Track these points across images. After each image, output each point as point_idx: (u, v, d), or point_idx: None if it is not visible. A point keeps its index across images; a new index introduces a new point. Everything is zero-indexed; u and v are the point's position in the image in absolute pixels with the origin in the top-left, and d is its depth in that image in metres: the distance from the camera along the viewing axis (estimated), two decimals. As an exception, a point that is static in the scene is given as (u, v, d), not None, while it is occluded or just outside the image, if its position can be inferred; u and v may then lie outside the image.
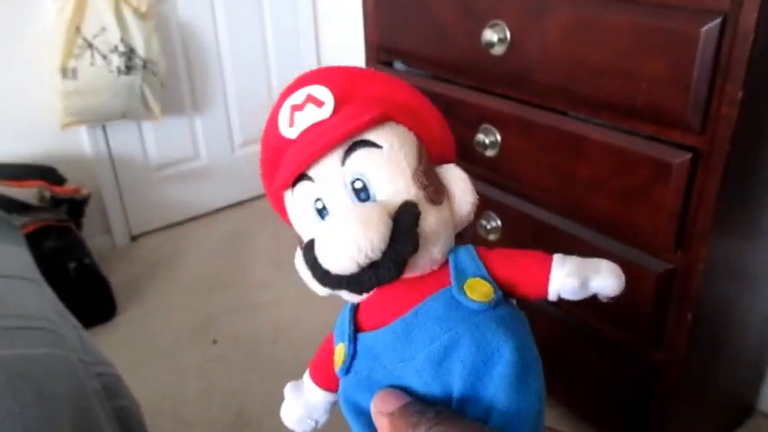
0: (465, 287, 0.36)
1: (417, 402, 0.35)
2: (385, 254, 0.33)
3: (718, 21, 0.80)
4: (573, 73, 0.98)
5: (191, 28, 2.18)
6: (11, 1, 1.81)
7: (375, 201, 0.36)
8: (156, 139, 2.21)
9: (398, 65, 1.38)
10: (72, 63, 1.83)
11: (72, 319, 0.78)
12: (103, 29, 1.84)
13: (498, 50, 1.08)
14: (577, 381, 1.21)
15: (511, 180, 1.16)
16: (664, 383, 1.04)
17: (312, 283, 0.39)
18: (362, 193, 0.36)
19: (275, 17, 2.36)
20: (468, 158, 1.22)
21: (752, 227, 1.03)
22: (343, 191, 0.36)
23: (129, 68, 1.89)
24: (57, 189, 1.83)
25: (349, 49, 2.30)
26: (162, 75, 2.00)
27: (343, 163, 0.36)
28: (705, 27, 0.80)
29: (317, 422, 0.46)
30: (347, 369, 0.39)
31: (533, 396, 0.36)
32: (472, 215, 0.39)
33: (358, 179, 0.36)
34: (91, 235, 2.06)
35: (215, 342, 1.71)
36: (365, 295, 0.38)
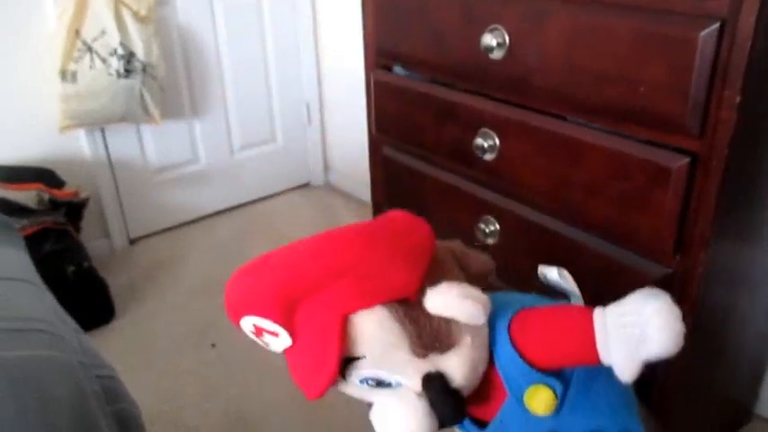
0: (527, 399, 0.38)
1: None
2: (442, 418, 0.37)
3: (716, 26, 0.80)
4: (572, 78, 0.98)
5: (190, 32, 2.18)
6: (11, 4, 1.82)
7: (398, 385, 0.39)
8: (155, 143, 2.21)
9: (398, 69, 1.39)
10: (71, 66, 1.83)
11: (71, 322, 0.79)
12: (103, 32, 1.84)
13: (497, 55, 1.08)
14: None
15: (509, 184, 1.17)
16: (662, 388, 1.04)
17: None
18: (382, 384, 0.39)
19: (275, 21, 2.36)
20: (467, 162, 1.22)
21: (751, 231, 1.03)
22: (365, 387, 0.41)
23: (128, 72, 1.89)
24: (55, 192, 1.83)
25: (348, 52, 2.30)
26: (161, 78, 2.00)
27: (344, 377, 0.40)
28: (703, 32, 0.81)
29: None
30: None
31: None
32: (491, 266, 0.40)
33: (368, 379, 0.39)
34: (89, 238, 2.06)
35: (213, 346, 1.71)
36: None
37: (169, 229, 2.35)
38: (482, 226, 1.24)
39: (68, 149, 2.03)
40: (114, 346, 1.70)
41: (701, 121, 0.85)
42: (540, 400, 0.35)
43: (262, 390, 1.54)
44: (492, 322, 0.38)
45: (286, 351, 0.39)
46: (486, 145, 1.16)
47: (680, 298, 0.96)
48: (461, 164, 1.24)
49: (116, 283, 1.93)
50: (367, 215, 2.12)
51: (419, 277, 0.39)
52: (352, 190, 2.55)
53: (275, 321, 0.39)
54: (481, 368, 0.38)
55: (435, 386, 0.37)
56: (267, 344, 0.41)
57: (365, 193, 2.18)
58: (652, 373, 1.03)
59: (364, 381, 0.38)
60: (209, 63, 2.27)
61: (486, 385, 0.38)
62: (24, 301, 0.72)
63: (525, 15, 1.02)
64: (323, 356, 0.36)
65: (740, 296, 1.09)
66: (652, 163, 0.92)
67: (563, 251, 1.09)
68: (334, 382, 0.37)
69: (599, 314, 0.37)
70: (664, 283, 0.96)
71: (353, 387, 0.40)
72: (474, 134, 1.18)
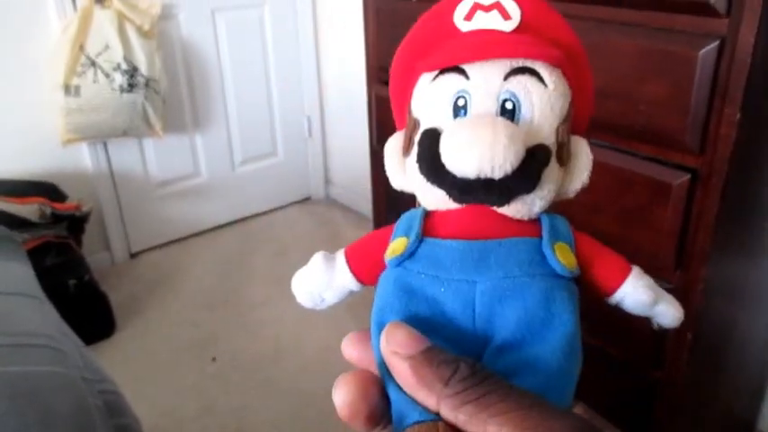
0: (556, 248, 0.35)
1: (441, 349, 0.31)
2: (505, 178, 0.32)
3: (715, 44, 0.81)
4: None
5: (193, 46, 2.20)
6: (15, 19, 1.83)
7: (518, 124, 0.34)
8: (156, 157, 2.22)
9: (399, 84, 1.39)
10: (75, 80, 1.84)
11: (74, 337, 0.79)
12: (107, 47, 1.86)
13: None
14: (578, 399, 1.21)
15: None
16: (664, 402, 1.04)
17: (395, 172, 0.39)
18: (510, 113, 0.34)
19: (276, 36, 2.38)
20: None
21: (751, 246, 1.04)
22: (493, 102, 0.34)
23: (131, 86, 1.90)
24: (57, 205, 1.83)
25: (350, 67, 2.32)
26: (164, 92, 2.02)
27: (506, 78, 0.34)
28: (703, 50, 0.82)
29: (323, 301, 0.42)
30: (399, 261, 0.36)
31: (573, 370, 0.34)
32: (574, 194, 0.39)
33: (512, 100, 0.34)
34: (91, 251, 2.06)
35: (214, 360, 1.70)
36: (452, 207, 0.35)
37: (170, 242, 2.35)
38: (483, 241, 1.24)
39: (71, 163, 2.04)
40: (115, 360, 1.69)
41: (701, 138, 0.86)
42: (567, 255, 0.35)
43: (262, 405, 1.53)
44: None
45: (492, 31, 0.36)
46: (487, 160, 1.17)
47: (681, 313, 0.96)
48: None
49: (117, 297, 1.93)
50: (368, 229, 2.12)
51: (589, 114, 0.42)
52: (352, 204, 2.55)
53: (524, 10, 0.37)
54: (536, 206, 0.36)
55: (542, 156, 0.34)
56: (477, 16, 0.37)
57: (366, 207, 2.18)
58: (654, 389, 1.04)
59: (463, 96, 0.35)
60: (212, 77, 2.28)
61: (496, 221, 0.36)
62: (27, 315, 0.72)
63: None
64: (547, 47, 0.36)
65: (741, 311, 1.09)
66: (653, 179, 0.92)
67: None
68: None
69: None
70: (665, 299, 0.96)
71: (436, 93, 0.36)
72: (475, 149, 1.19)
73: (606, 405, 1.16)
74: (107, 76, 1.86)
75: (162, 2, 1.99)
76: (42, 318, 0.74)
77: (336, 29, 2.38)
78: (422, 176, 0.35)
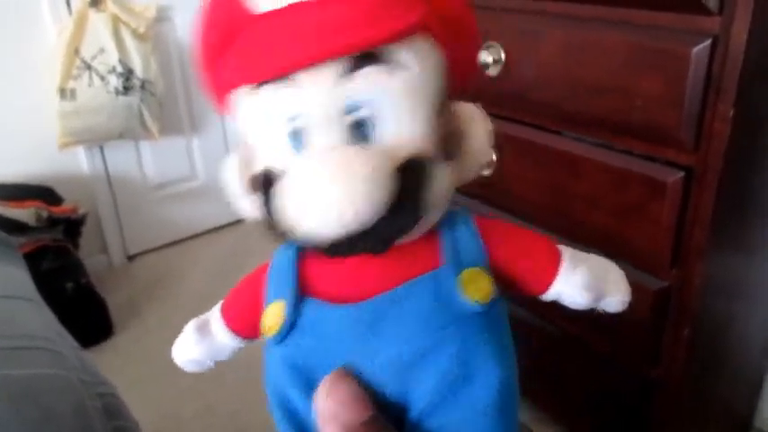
0: (462, 279, 0.28)
1: (382, 423, 0.27)
2: (379, 223, 0.25)
3: (708, 41, 0.81)
4: (567, 93, 0.99)
5: (189, 48, 2.20)
6: (10, 23, 1.83)
7: (375, 143, 0.26)
8: (153, 159, 2.22)
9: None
10: (70, 84, 1.84)
11: (71, 340, 0.79)
12: (102, 50, 1.85)
13: (493, 71, 1.09)
14: (574, 398, 1.21)
15: (507, 199, 1.17)
16: (661, 400, 1.04)
17: (241, 203, 0.30)
18: (362, 130, 0.26)
19: (272, 38, 2.38)
20: (465, 177, 1.23)
21: (748, 243, 1.04)
22: (337, 118, 0.25)
23: (126, 89, 1.90)
24: (54, 209, 1.83)
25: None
26: (160, 95, 2.01)
27: (343, 78, 0.25)
28: (696, 48, 0.82)
29: (213, 364, 0.39)
30: (281, 339, 0.29)
31: (511, 419, 0.29)
32: (477, 175, 0.30)
33: (361, 108, 0.25)
34: (88, 255, 2.06)
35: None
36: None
37: (167, 245, 2.35)
38: (480, 240, 1.24)
39: (67, 166, 2.03)
40: (113, 363, 1.69)
41: (695, 135, 0.86)
42: (481, 283, 0.28)
43: (261, 406, 1.53)
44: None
45: (301, 4, 0.25)
46: (483, 159, 1.17)
47: (677, 310, 0.96)
48: (459, 178, 1.25)
49: (114, 300, 1.93)
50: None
51: (472, 77, 0.32)
52: (349, 204, 2.55)
53: None
54: (436, 215, 0.27)
55: (421, 174, 0.25)
56: None
57: (363, 207, 2.18)
58: (650, 387, 1.04)
59: (298, 118, 0.25)
60: (208, 79, 2.28)
61: (386, 259, 0.28)
62: (24, 318, 0.72)
63: (521, 32, 1.03)
64: (392, 13, 0.25)
65: (738, 308, 1.10)
66: (648, 177, 0.92)
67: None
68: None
69: (563, 246, 0.31)
70: (661, 296, 0.96)
71: (262, 114, 0.27)
72: (471, 149, 1.19)
73: (603, 403, 1.16)
74: (102, 79, 1.86)
75: (157, 4, 1.99)
76: (39, 320, 0.74)
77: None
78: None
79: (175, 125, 2.23)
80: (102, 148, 2.09)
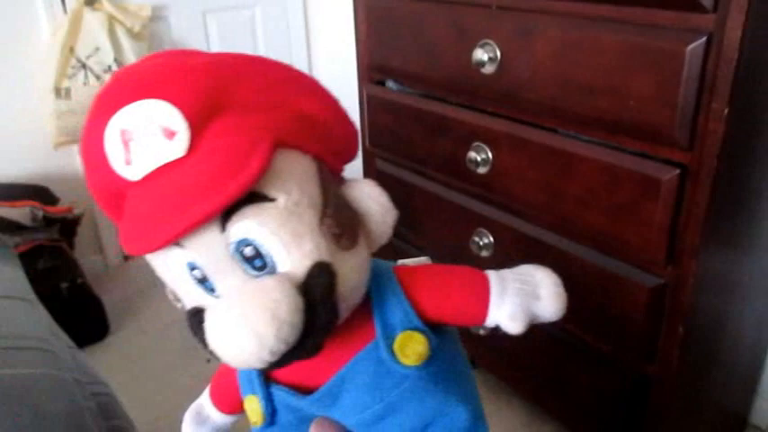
0: (395, 347, 0.30)
1: None
2: (303, 336, 0.27)
3: (702, 40, 0.81)
4: (562, 91, 0.99)
5: (184, 47, 2.19)
6: (4, 22, 1.82)
7: (275, 271, 0.27)
8: (149, 159, 2.21)
9: (390, 83, 1.40)
10: (65, 83, 1.84)
11: (66, 339, 0.79)
12: (97, 49, 1.85)
13: (489, 69, 1.09)
14: (571, 395, 1.21)
15: (503, 197, 1.17)
16: (656, 396, 1.04)
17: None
18: (257, 261, 0.27)
19: (267, 36, 2.37)
20: (460, 176, 1.23)
21: (741, 241, 1.04)
22: (230, 262, 0.27)
23: (122, 88, 1.90)
24: (49, 209, 1.82)
25: (341, 67, 2.31)
26: (155, 94, 2.01)
27: (223, 229, 0.27)
28: (690, 46, 0.82)
29: None
30: (264, 428, 0.35)
31: None
32: (392, 232, 0.32)
33: (248, 244, 0.27)
34: (83, 254, 2.05)
35: (208, 361, 1.70)
36: None
37: (163, 244, 2.34)
38: (476, 239, 1.25)
39: (62, 166, 2.03)
40: (109, 362, 1.69)
41: (689, 133, 0.86)
42: (414, 346, 0.30)
43: (257, 405, 1.53)
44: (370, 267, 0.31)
45: (166, 166, 0.26)
46: (479, 158, 1.17)
47: (672, 308, 0.97)
48: (455, 177, 1.25)
49: (110, 300, 1.93)
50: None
51: (352, 157, 0.34)
52: (346, 204, 2.55)
53: (188, 113, 0.26)
54: (359, 295, 0.29)
55: (324, 281, 0.27)
56: (134, 153, 0.26)
57: (359, 206, 2.18)
58: (646, 384, 1.04)
59: (197, 269, 0.27)
60: (203, 79, 2.27)
61: (334, 338, 0.30)
62: (20, 318, 0.72)
63: (516, 30, 1.04)
64: (237, 167, 0.26)
65: (732, 305, 1.10)
66: (642, 175, 0.93)
67: (556, 262, 1.10)
68: (247, 186, 0.26)
69: (492, 273, 0.33)
70: (656, 293, 0.97)
71: (170, 268, 0.28)
72: (467, 148, 1.19)
73: (599, 401, 1.16)
74: (98, 78, 1.86)
75: (152, 3, 1.99)
76: (34, 320, 0.74)
77: (328, 29, 2.38)
78: None
79: (171, 124, 2.22)
80: (97, 148, 2.09)
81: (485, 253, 1.24)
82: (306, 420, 0.34)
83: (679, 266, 0.94)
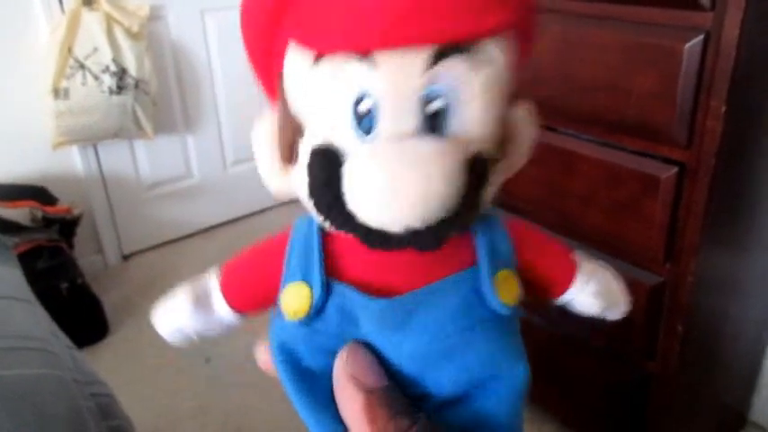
0: (496, 281, 0.28)
1: (400, 395, 0.27)
2: (445, 218, 0.24)
3: (701, 38, 0.81)
4: (562, 89, 0.99)
5: (182, 47, 2.19)
6: (2, 22, 1.82)
7: (448, 135, 0.24)
8: (148, 158, 2.21)
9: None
10: (64, 83, 1.83)
11: (65, 339, 0.78)
12: (95, 49, 1.85)
13: (487, 68, 1.09)
14: (571, 392, 1.22)
15: (502, 194, 1.17)
16: (656, 394, 1.05)
17: (272, 176, 0.28)
18: (438, 119, 0.24)
19: (266, 36, 2.37)
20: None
21: (740, 238, 1.04)
22: (413, 109, 0.24)
23: (120, 88, 1.89)
24: (48, 209, 1.82)
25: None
26: (154, 94, 2.01)
27: (431, 65, 0.23)
28: (688, 44, 0.82)
29: (197, 337, 0.36)
30: (306, 323, 0.29)
31: (521, 419, 0.31)
32: (525, 160, 0.31)
33: (441, 98, 0.24)
34: (83, 254, 2.05)
35: (208, 361, 1.70)
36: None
37: (163, 244, 2.34)
38: (475, 237, 1.24)
39: (61, 166, 2.03)
40: (108, 363, 1.69)
41: (688, 132, 0.86)
42: (510, 286, 0.28)
43: (257, 405, 1.53)
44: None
45: None
46: (477, 157, 1.17)
47: (671, 306, 0.97)
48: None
49: (110, 300, 1.93)
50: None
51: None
52: (345, 203, 2.55)
53: None
54: (475, 215, 0.27)
55: (484, 173, 0.25)
56: None
57: (358, 205, 2.18)
58: (645, 381, 1.04)
59: (368, 97, 0.23)
60: (202, 78, 2.27)
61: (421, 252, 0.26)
62: (18, 318, 0.72)
63: (514, 29, 1.03)
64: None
65: (731, 303, 1.10)
66: (641, 173, 0.93)
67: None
68: None
69: (579, 255, 0.33)
70: (655, 291, 0.97)
71: (323, 88, 0.24)
72: (465, 146, 1.19)
73: (599, 398, 1.16)
74: (96, 78, 1.86)
75: (150, 3, 1.99)
76: (33, 320, 0.74)
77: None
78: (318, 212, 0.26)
79: (169, 124, 2.22)
80: (96, 148, 2.09)
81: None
82: (347, 338, 0.28)
83: (678, 264, 0.94)
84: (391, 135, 0.24)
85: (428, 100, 0.24)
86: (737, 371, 1.27)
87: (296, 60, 0.25)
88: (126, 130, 1.99)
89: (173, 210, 2.33)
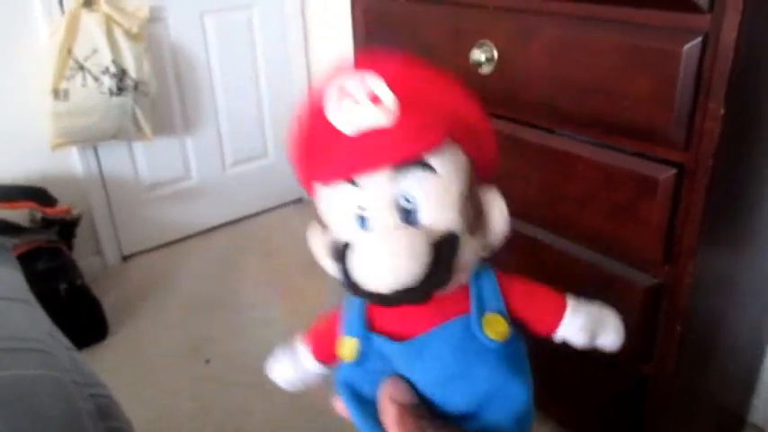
0: (484, 322, 0.38)
1: (426, 409, 0.38)
2: (419, 283, 0.34)
3: (699, 40, 0.81)
4: (559, 91, 1.00)
5: (182, 49, 2.20)
6: (2, 24, 1.82)
7: (419, 225, 0.35)
8: (147, 160, 2.22)
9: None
10: (63, 84, 1.84)
11: (64, 340, 0.78)
12: (95, 50, 1.85)
13: (486, 69, 1.10)
14: (568, 395, 1.22)
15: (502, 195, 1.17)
16: (654, 396, 1.05)
17: (326, 265, 0.40)
18: (410, 216, 0.35)
19: (266, 37, 2.38)
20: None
21: (739, 240, 1.05)
22: (390, 208, 0.35)
23: (120, 89, 1.90)
24: (48, 210, 1.83)
25: (339, 68, 2.32)
26: (153, 95, 2.01)
27: (394, 180, 0.35)
28: (686, 46, 0.82)
29: (306, 386, 0.49)
30: (357, 364, 0.41)
31: (528, 424, 0.40)
32: (501, 244, 0.40)
33: (408, 200, 0.35)
34: (82, 256, 2.05)
35: (207, 362, 1.70)
36: None
37: (162, 245, 2.34)
38: (474, 238, 1.25)
39: (60, 167, 2.03)
40: (108, 364, 1.69)
41: (686, 133, 0.87)
42: (498, 325, 0.38)
43: (257, 406, 1.53)
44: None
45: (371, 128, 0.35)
46: (476, 158, 1.17)
47: (669, 307, 0.97)
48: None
49: (109, 301, 1.93)
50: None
51: (490, 174, 0.43)
52: (344, 204, 2.55)
53: (397, 94, 0.36)
54: (466, 275, 0.38)
55: (451, 247, 0.35)
56: (350, 109, 0.36)
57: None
58: (643, 383, 1.04)
59: (362, 209, 0.36)
60: (201, 79, 2.28)
61: (428, 307, 0.38)
62: (17, 319, 0.72)
63: (513, 30, 1.04)
64: (425, 135, 0.35)
65: (730, 305, 1.10)
66: (639, 174, 0.93)
67: (553, 262, 1.10)
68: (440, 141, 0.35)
69: (570, 296, 0.41)
70: (653, 293, 0.97)
71: (336, 204, 0.37)
72: (464, 148, 1.19)
73: (596, 400, 1.16)
74: (96, 79, 1.86)
75: (150, 5, 1.99)
76: (32, 321, 0.74)
77: (325, 29, 2.38)
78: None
79: (169, 125, 2.23)
80: (95, 149, 2.09)
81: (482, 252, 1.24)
82: (387, 372, 0.40)
83: (676, 266, 0.94)
84: (379, 229, 0.35)
85: (400, 202, 0.35)
86: (736, 373, 1.27)
87: (319, 187, 0.38)
88: (125, 132, 1.99)
89: (172, 211, 2.34)
